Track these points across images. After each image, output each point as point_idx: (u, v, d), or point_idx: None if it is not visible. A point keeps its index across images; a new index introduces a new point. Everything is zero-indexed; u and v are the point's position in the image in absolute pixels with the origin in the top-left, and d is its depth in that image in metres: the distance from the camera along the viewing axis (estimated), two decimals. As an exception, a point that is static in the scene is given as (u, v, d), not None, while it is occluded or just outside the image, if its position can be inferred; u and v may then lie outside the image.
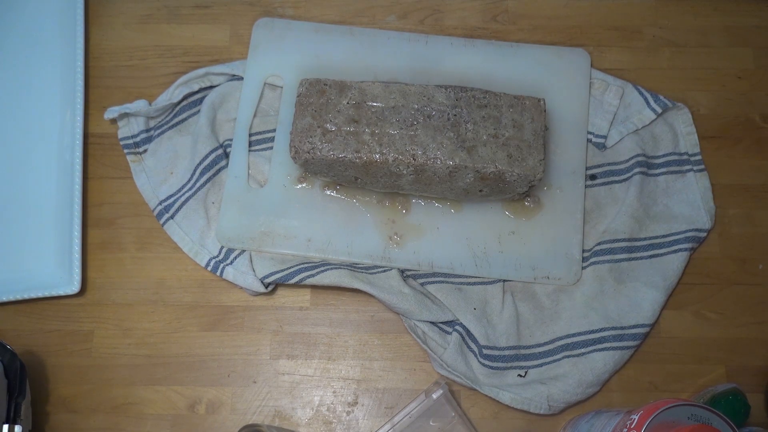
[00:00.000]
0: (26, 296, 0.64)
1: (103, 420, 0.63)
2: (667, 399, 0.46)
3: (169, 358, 0.64)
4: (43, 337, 0.65)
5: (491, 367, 0.62)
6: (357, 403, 0.63)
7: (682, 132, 0.68)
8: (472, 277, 0.65)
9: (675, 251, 0.65)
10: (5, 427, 0.57)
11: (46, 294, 0.64)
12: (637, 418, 0.46)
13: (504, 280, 0.64)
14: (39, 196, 0.67)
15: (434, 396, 0.60)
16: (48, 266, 0.65)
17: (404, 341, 0.65)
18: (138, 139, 0.69)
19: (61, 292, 0.64)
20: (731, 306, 0.65)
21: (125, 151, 0.69)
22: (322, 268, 0.64)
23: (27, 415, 0.60)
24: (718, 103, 0.70)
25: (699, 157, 0.67)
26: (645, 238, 0.65)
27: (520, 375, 0.62)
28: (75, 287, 0.64)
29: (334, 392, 0.63)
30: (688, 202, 0.66)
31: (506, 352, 0.62)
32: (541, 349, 0.63)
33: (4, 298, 0.64)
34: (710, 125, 0.70)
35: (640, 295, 0.63)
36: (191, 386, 0.64)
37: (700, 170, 0.67)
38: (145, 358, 0.64)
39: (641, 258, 0.65)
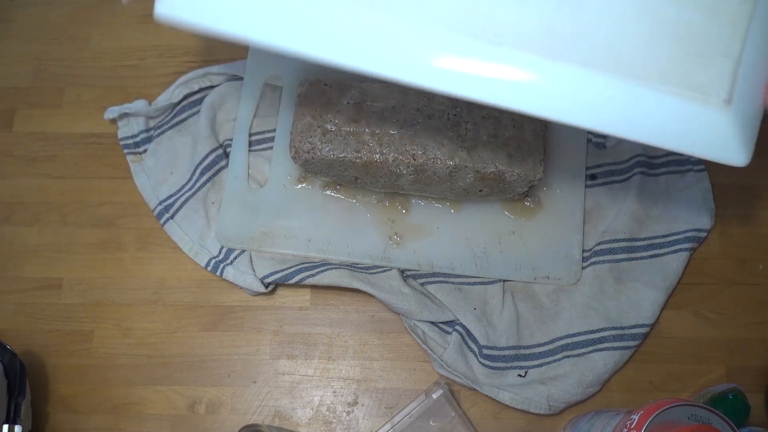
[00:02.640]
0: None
1: (103, 420, 0.63)
2: (667, 399, 0.46)
3: (169, 358, 0.64)
4: (43, 337, 0.65)
5: (491, 367, 0.62)
6: (357, 403, 0.63)
7: None
8: (472, 277, 0.65)
9: (675, 251, 0.65)
10: (5, 427, 0.57)
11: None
12: (637, 418, 0.46)
13: (504, 280, 0.64)
14: None
15: (434, 396, 0.60)
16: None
17: (404, 341, 0.65)
18: (138, 139, 0.69)
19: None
20: (731, 306, 0.65)
21: (125, 151, 0.69)
22: (322, 268, 0.64)
23: (27, 415, 0.60)
24: (718, 103, 0.70)
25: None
26: (645, 238, 0.65)
27: (520, 375, 0.62)
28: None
29: (334, 392, 0.64)
30: (688, 202, 0.66)
31: (506, 352, 0.62)
32: (541, 349, 0.63)
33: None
34: (710, 125, 0.70)
35: (640, 295, 0.63)
36: (191, 386, 0.64)
37: (700, 170, 0.67)
38: (145, 358, 0.64)
39: (641, 258, 0.65)
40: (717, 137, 0.42)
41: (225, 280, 0.65)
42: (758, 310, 0.65)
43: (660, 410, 0.45)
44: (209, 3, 0.39)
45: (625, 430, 0.46)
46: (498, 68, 0.40)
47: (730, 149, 0.42)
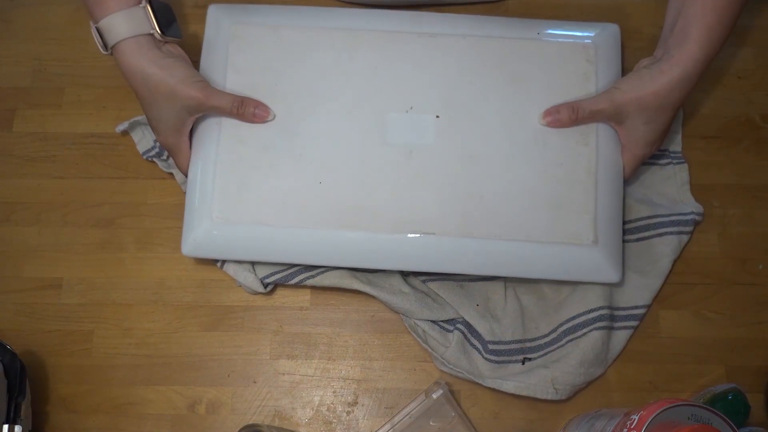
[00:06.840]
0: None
1: (103, 420, 0.63)
2: (667, 399, 0.46)
3: (169, 358, 0.64)
4: (43, 337, 0.65)
5: (496, 362, 0.62)
6: (357, 403, 0.63)
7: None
8: (474, 274, 0.64)
9: (660, 235, 0.65)
10: (5, 427, 0.57)
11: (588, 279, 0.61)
12: (637, 418, 0.46)
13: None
14: None
15: (434, 396, 0.60)
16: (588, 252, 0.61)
17: (404, 341, 0.65)
18: (157, 148, 0.68)
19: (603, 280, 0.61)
20: (731, 306, 0.65)
21: (154, 160, 0.68)
22: (323, 269, 0.64)
23: (27, 415, 0.60)
24: (718, 103, 0.70)
25: (679, 149, 0.68)
26: (630, 221, 0.65)
27: (522, 362, 0.62)
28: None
29: (334, 392, 0.63)
30: (668, 192, 0.66)
31: (512, 346, 0.62)
32: (546, 340, 0.63)
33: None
34: (710, 125, 0.70)
35: (633, 279, 0.64)
36: (191, 386, 0.64)
37: (679, 162, 0.67)
38: (145, 358, 0.64)
39: (627, 241, 0.65)
40: (593, 266, 0.61)
41: (224, 280, 0.65)
42: (758, 310, 0.65)
43: (660, 410, 0.45)
44: (213, 248, 0.62)
45: (625, 430, 0.46)
46: (435, 248, 0.60)
47: (604, 272, 0.61)
